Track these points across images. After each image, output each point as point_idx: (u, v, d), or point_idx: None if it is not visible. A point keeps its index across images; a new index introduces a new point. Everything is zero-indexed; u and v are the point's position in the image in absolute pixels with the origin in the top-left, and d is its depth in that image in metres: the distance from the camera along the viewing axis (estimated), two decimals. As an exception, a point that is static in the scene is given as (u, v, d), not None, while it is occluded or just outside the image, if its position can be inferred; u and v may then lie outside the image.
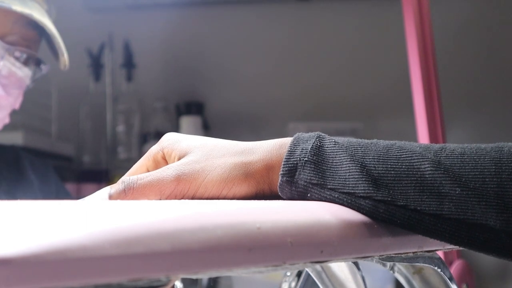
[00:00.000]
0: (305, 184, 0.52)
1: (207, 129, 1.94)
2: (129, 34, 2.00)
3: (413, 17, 1.33)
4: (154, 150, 0.60)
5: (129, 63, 1.99)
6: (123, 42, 1.98)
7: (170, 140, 0.60)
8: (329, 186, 0.51)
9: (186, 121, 1.92)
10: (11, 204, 0.35)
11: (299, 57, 2.00)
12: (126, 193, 0.55)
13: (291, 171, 0.53)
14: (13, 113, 1.12)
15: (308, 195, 0.52)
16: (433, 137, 1.33)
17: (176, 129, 1.90)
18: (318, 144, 0.53)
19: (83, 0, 2.05)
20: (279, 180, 0.53)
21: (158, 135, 1.93)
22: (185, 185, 0.54)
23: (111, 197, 0.56)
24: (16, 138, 1.63)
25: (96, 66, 1.98)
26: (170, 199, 0.55)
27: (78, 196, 1.81)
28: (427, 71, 1.35)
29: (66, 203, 0.37)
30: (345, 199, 0.51)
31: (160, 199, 0.56)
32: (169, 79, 2.08)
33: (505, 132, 1.80)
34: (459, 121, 1.83)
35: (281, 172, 0.53)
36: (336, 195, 0.51)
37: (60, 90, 1.95)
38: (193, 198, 0.55)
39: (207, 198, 0.55)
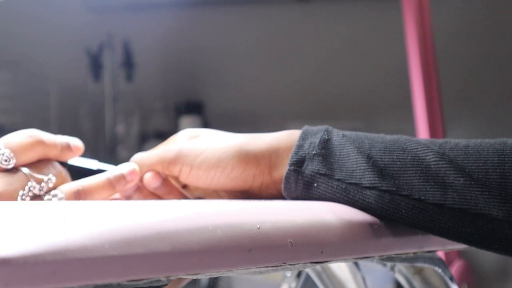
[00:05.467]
0: (313, 174, 0.52)
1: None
2: (129, 34, 2.00)
3: (413, 17, 1.33)
4: (167, 140, 0.62)
5: (128, 63, 1.99)
6: (122, 41, 1.98)
7: (184, 131, 0.62)
8: (336, 177, 0.52)
9: (185, 120, 1.92)
10: (10, 204, 0.35)
11: (299, 57, 2.00)
12: (137, 161, 0.59)
13: (299, 162, 0.53)
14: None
15: (315, 184, 0.52)
16: (433, 137, 1.33)
17: (176, 129, 1.90)
18: (326, 137, 0.54)
19: (82, 0, 2.05)
20: (286, 169, 0.53)
21: (157, 135, 1.93)
22: (183, 157, 0.56)
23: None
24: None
25: (96, 66, 1.98)
26: (170, 171, 0.57)
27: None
28: (427, 71, 1.35)
29: (67, 203, 0.37)
30: (351, 190, 0.51)
31: (162, 170, 0.58)
32: (168, 79, 2.08)
33: (506, 132, 1.80)
34: (459, 121, 1.83)
35: (289, 162, 0.54)
36: (343, 186, 0.51)
37: (59, 90, 1.95)
38: (191, 171, 0.56)
39: (205, 172, 0.55)
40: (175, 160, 0.57)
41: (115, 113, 1.98)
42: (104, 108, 1.97)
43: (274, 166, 0.55)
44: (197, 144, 0.57)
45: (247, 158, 0.55)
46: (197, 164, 0.56)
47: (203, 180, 0.56)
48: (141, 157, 0.59)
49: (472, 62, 1.89)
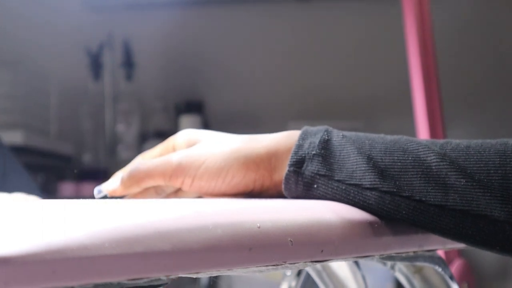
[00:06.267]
0: (312, 175, 0.52)
1: (207, 129, 1.93)
2: (129, 34, 2.00)
3: (413, 17, 1.33)
4: (166, 141, 0.62)
5: (128, 63, 1.99)
6: (122, 41, 1.98)
7: (183, 133, 0.61)
8: (336, 178, 0.51)
9: (185, 120, 1.92)
10: (10, 203, 0.35)
11: (299, 57, 2.00)
12: (133, 175, 0.58)
13: (298, 162, 0.53)
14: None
15: (315, 186, 0.52)
16: (433, 138, 1.33)
17: (176, 128, 1.90)
18: (326, 138, 0.53)
19: (82, 0, 2.05)
20: (286, 170, 0.53)
21: (157, 135, 1.93)
22: (184, 170, 0.56)
23: (122, 179, 0.59)
24: (16, 137, 1.62)
25: (96, 65, 1.98)
26: (172, 183, 0.57)
27: (77, 195, 1.81)
28: (427, 71, 1.35)
29: (67, 202, 0.36)
30: (351, 191, 0.51)
31: (164, 183, 0.58)
32: (168, 79, 2.08)
33: (506, 132, 1.80)
34: (459, 121, 1.83)
35: (289, 163, 0.53)
36: (343, 187, 0.51)
37: (59, 89, 1.95)
38: (193, 183, 0.56)
39: (207, 183, 0.55)
40: (177, 173, 0.56)
41: (115, 113, 1.98)
42: (104, 107, 1.97)
43: (274, 169, 0.55)
44: (197, 154, 0.56)
45: (246, 163, 0.55)
46: (198, 175, 0.55)
47: (205, 189, 0.56)
48: (141, 169, 0.58)
49: (472, 62, 1.89)
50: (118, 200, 0.57)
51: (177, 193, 0.63)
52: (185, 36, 2.06)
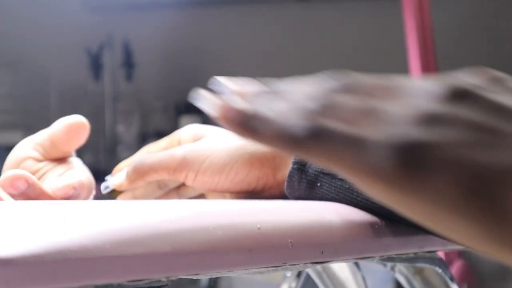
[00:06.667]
0: (316, 173, 0.52)
1: (207, 129, 1.94)
2: (129, 34, 2.00)
3: (413, 17, 1.33)
4: (172, 135, 0.62)
5: (128, 63, 1.99)
6: (122, 41, 1.98)
7: (188, 128, 0.62)
8: (339, 177, 0.51)
9: (185, 120, 1.92)
10: (11, 204, 0.35)
11: (298, 57, 2.00)
12: (138, 169, 0.58)
13: (303, 160, 0.53)
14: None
15: (318, 184, 0.52)
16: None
17: (176, 128, 1.90)
18: None
19: (82, 0, 2.05)
20: (290, 168, 0.53)
21: (157, 135, 1.93)
22: (188, 164, 0.56)
23: (127, 173, 0.59)
24: (15, 138, 1.62)
25: (96, 65, 1.98)
26: (176, 177, 0.57)
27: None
28: (427, 71, 1.35)
29: (67, 203, 0.37)
30: (354, 190, 0.51)
31: (168, 177, 0.58)
32: (168, 79, 2.08)
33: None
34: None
35: (293, 160, 0.53)
36: (346, 186, 0.51)
37: (59, 89, 1.95)
38: (196, 177, 0.56)
39: (210, 178, 0.55)
40: (181, 167, 0.56)
41: (115, 113, 1.98)
42: (104, 108, 1.97)
43: (278, 168, 0.55)
44: (202, 148, 0.57)
45: (250, 160, 0.55)
46: (202, 170, 0.56)
47: (208, 185, 0.56)
48: (145, 163, 0.58)
49: (472, 62, 1.89)
50: (118, 201, 0.57)
51: (179, 188, 0.62)
52: (185, 36, 2.06)
